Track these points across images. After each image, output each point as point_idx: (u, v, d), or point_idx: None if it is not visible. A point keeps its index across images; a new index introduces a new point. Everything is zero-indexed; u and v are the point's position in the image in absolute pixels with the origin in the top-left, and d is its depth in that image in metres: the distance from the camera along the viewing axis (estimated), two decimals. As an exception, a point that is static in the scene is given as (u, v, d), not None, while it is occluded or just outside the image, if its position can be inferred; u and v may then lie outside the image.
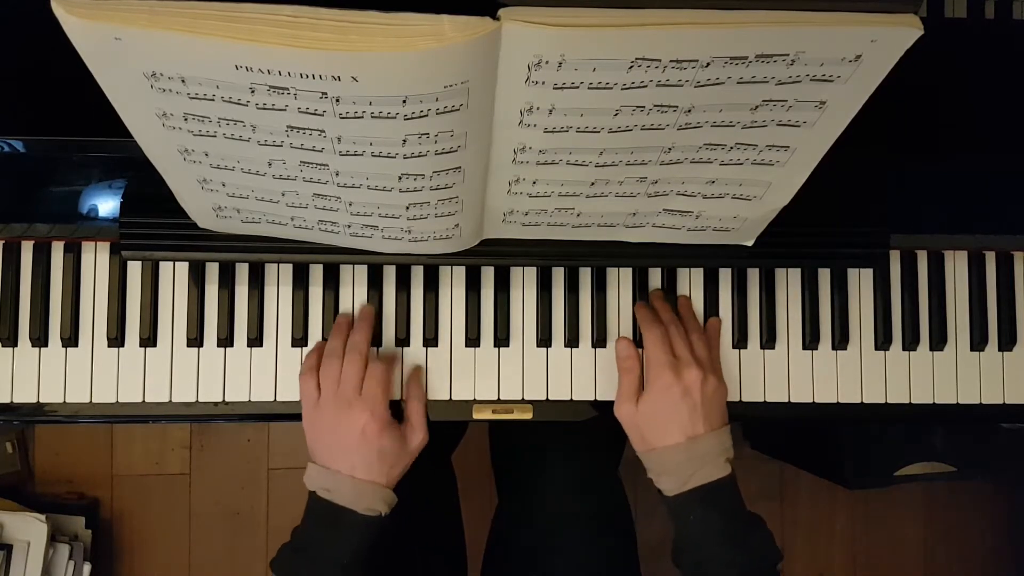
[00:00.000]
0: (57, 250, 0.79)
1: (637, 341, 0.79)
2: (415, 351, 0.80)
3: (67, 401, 0.78)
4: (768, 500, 1.65)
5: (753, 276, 0.82)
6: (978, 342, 0.83)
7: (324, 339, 0.79)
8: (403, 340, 0.79)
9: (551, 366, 0.80)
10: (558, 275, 0.81)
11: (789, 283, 0.82)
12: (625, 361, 0.77)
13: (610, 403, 0.77)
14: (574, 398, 0.80)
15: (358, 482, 0.72)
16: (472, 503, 1.04)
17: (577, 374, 0.80)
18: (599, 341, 0.80)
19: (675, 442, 0.72)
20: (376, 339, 0.79)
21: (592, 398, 0.80)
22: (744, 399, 0.81)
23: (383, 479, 0.72)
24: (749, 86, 0.51)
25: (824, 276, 0.83)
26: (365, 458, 0.72)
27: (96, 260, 0.79)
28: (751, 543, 0.72)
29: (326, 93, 0.48)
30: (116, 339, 0.78)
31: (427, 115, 0.50)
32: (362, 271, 0.79)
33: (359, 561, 0.71)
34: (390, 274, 0.80)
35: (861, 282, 0.83)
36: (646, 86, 0.50)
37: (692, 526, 0.72)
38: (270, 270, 0.79)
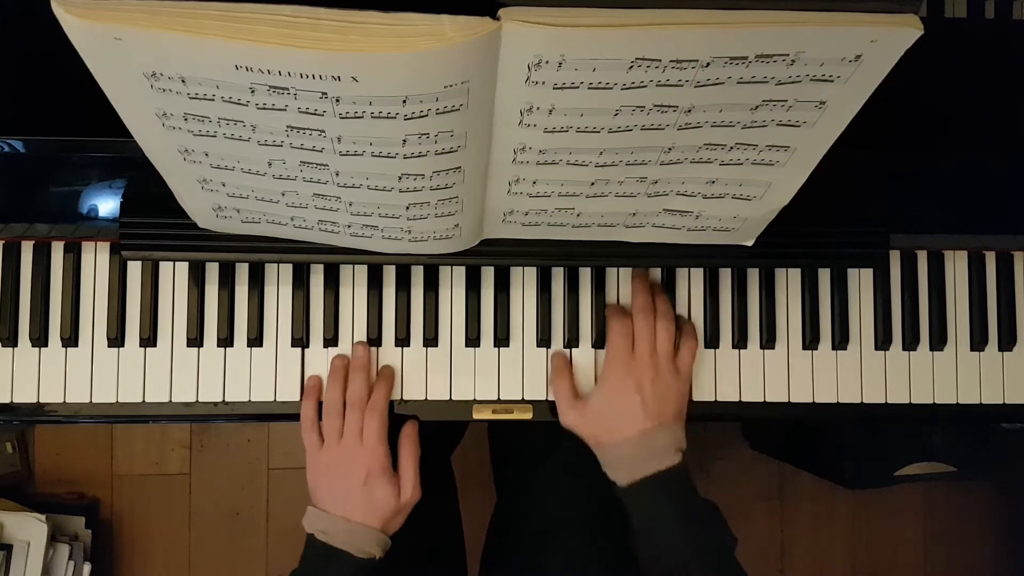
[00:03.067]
0: (57, 250, 0.79)
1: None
2: (415, 351, 0.80)
3: (67, 401, 0.78)
4: (768, 500, 1.65)
5: (753, 276, 0.82)
6: (978, 342, 0.83)
7: (324, 339, 0.79)
8: (403, 340, 0.79)
9: (551, 366, 0.80)
10: (558, 275, 0.81)
11: (789, 283, 0.82)
12: (555, 372, 0.79)
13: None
14: (574, 398, 0.80)
15: (354, 525, 0.75)
16: (472, 503, 1.04)
17: (577, 374, 0.80)
18: (599, 341, 0.80)
19: (626, 436, 0.74)
20: (376, 339, 0.79)
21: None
22: (744, 399, 0.81)
23: (379, 523, 0.75)
24: (749, 86, 0.51)
25: (824, 276, 0.83)
26: (363, 504, 0.75)
27: (96, 260, 0.79)
28: (703, 529, 0.73)
29: (326, 93, 0.48)
30: (116, 339, 0.78)
31: (427, 115, 0.50)
32: (362, 271, 0.79)
33: None
34: (390, 274, 0.80)
35: (861, 282, 0.83)
36: (646, 86, 0.50)
37: (645, 514, 0.73)
38: (270, 270, 0.79)
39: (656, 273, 0.81)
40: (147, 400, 0.78)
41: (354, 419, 0.76)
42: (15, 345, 0.78)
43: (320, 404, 0.78)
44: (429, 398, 0.79)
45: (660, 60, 0.48)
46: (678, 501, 0.73)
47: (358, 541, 0.74)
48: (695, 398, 0.81)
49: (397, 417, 0.78)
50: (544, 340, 0.80)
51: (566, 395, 0.77)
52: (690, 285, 0.82)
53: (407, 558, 0.87)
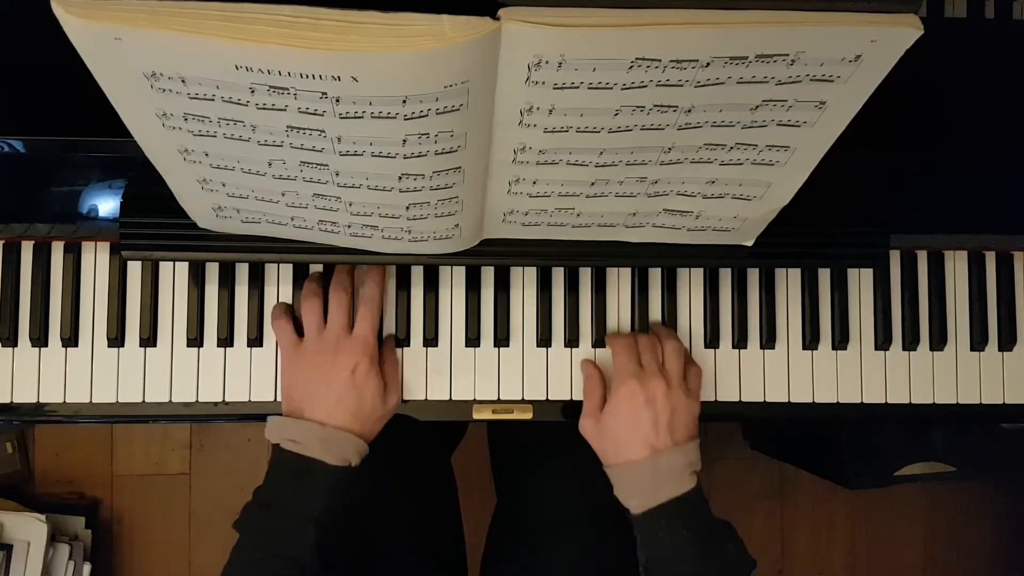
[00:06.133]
0: (57, 250, 0.79)
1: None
2: (415, 351, 0.80)
3: (67, 401, 0.78)
4: (768, 500, 1.65)
5: (753, 276, 0.82)
6: (978, 342, 0.83)
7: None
8: (403, 340, 0.79)
9: (551, 366, 0.80)
10: (558, 275, 0.81)
11: (789, 283, 0.82)
12: (588, 380, 0.77)
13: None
14: (574, 398, 0.80)
15: (330, 430, 0.69)
16: (472, 503, 1.04)
17: (577, 374, 0.80)
18: (599, 341, 0.80)
19: (639, 457, 0.71)
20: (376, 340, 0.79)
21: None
22: (744, 399, 0.81)
23: (357, 428, 0.71)
24: (749, 86, 0.51)
25: (824, 276, 0.83)
26: (348, 402, 0.70)
27: (96, 260, 0.79)
28: (722, 555, 0.71)
29: (326, 93, 0.48)
30: (116, 339, 0.78)
31: (427, 115, 0.50)
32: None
33: (332, 514, 0.69)
34: (390, 274, 0.80)
35: (861, 282, 0.83)
36: (646, 86, 0.50)
37: (661, 543, 0.70)
38: (270, 270, 0.79)
39: (656, 273, 0.81)
40: (147, 400, 0.78)
41: (341, 305, 0.72)
42: (15, 345, 0.78)
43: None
44: (429, 398, 0.79)
45: (660, 60, 0.48)
46: (695, 529, 0.70)
47: (335, 447, 0.69)
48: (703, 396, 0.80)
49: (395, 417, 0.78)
50: (544, 340, 0.80)
51: (595, 404, 0.75)
52: (690, 285, 0.82)
53: (408, 559, 0.87)
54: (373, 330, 0.73)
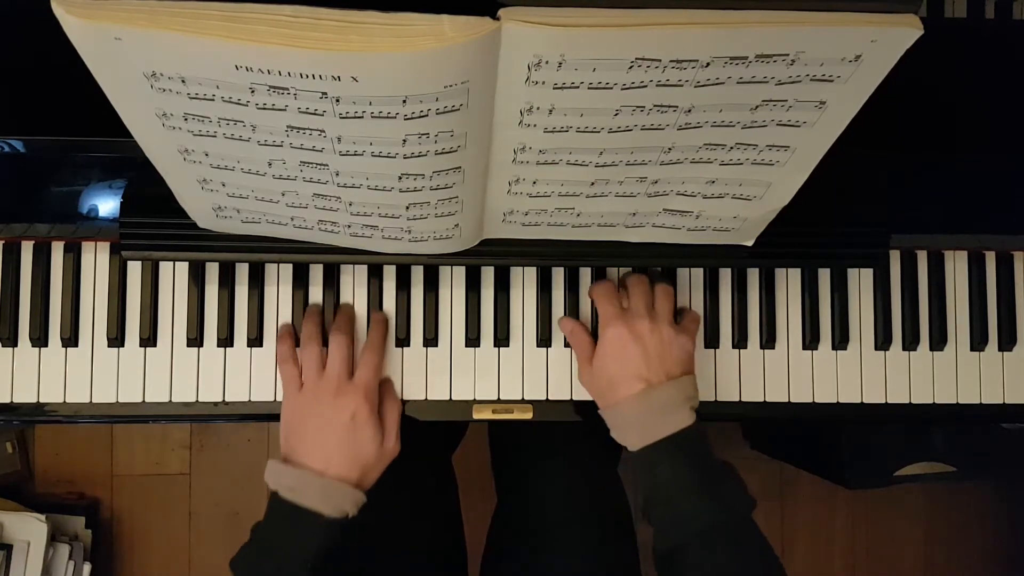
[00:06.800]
0: (57, 250, 0.79)
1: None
2: (415, 351, 0.80)
3: (67, 401, 0.78)
4: (768, 500, 1.65)
5: (753, 276, 0.82)
6: (978, 342, 0.83)
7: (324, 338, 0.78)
8: (403, 340, 0.79)
9: (551, 366, 0.80)
10: (558, 275, 0.81)
11: (789, 283, 0.82)
12: (571, 336, 0.77)
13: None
14: (574, 398, 0.80)
15: (328, 481, 0.69)
16: (472, 503, 1.04)
17: (577, 374, 0.80)
18: (599, 341, 0.80)
19: (633, 392, 0.70)
20: (376, 339, 0.79)
21: (592, 398, 0.79)
22: (744, 399, 0.81)
23: (356, 476, 0.70)
24: (749, 86, 0.51)
25: (824, 276, 0.83)
26: (346, 450, 0.70)
27: (96, 260, 0.79)
28: (722, 493, 0.69)
29: (326, 93, 0.48)
30: (116, 339, 0.78)
31: (427, 115, 0.50)
32: (362, 271, 0.79)
33: (329, 559, 0.69)
34: (390, 274, 0.80)
35: (861, 282, 0.83)
36: (646, 86, 0.50)
37: (659, 479, 0.69)
38: (270, 270, 0.79)
39: (656, 273, 0.81)
40: (147, 400, 0.78)
41: (340, 349, 0.72)
42: (15, 345, 0.78)
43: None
44: (429, 398, 0.79)
45: (660, 60, 0.48)
46: (694, 464, 0.69)
47: (333, 498, 0.68)
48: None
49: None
50: (544, 340, 0.80)
51: (586, 353, 0.75)
52: (690, 285, 0.82)
53: (408, 558, 0.87)
54: (376, 376, 0.73)
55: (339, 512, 0.68)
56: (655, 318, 0.73)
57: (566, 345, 0.80)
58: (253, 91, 0.49)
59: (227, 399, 0.79)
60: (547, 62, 0.48)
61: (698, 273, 0.82)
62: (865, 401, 0.82)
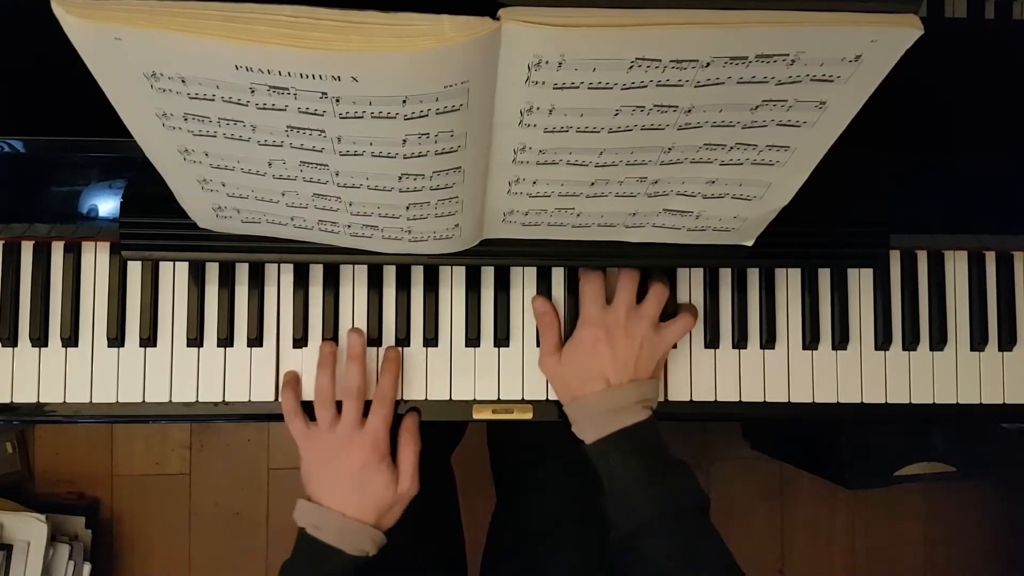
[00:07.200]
0: (57, 250, 0.79)
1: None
2: (415, 351, 0.80)
3: (67, 401, 0.78)
4: (768, 500, 1.65)
5: (753, 276, 0.82)
6: (978, 342, 0.83)
7: (324, 339, 0.78)
8: (403, 340, 0.79)
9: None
10: (558, 275, 0.81)
11: (789, 283, 0.82)
12: (543, 317, 0.78)
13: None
14: (574, 398, 0.80)
15: (348, 521, 0.72)
16: (472, 503, 1.04)
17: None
18: (599, 341, 0.80)
19: (594, 390, 0.73)
20: (376, 339, 0.79)
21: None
22: (744, 399, 0.81)
23: (372, 518, 0.73)
24: (749, 86, 0.51)
25: (824, 276, 0.83)
26: (359, 496, 0.73)
27: (96, 260, 0.79)
28: (672, 484, 0.72)
29: (326, 93, 0.48)
30: (116, 339, 0.78)
31: (427, 115, 0.50)
32: (362, 271, 0.79)
33: None
34: (390, 274, 0.80)
35: (861, 282, 0.83)
36: (646, 86, 0.50)
37: (613, 472, 0.72)
38: (270, 270, 0.79)
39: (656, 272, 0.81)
40: (147, 400, 0.78)
41: (350, 406, 0.74)
42: (15, 345, 0.78)
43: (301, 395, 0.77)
44: (429, 398, 0.79)
45: (660, 60, 0.48)
46: (645, 457, 0.71)
47: (352, 538, 0.72)
48: (696, 398, 0.81)
49: (398, 417, 0.78)
50: (544, 340, 0.80)
51: (554, 342, 0.77)
52: (690, 285, 0.82)
53: (407, 558, 0.87)
54: (386, 425, 0.75)
55: (359, 551, 0.72)
56: (634, 321, 0.74)
57: (566, 345, 0.80)
58: (253, 91, 0.49)
59: (227, 399, 0.79)
60: (547, 62, 0.48)
61: (698, 273, 0.82)
62: (865, 401, 0.82)
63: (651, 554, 0.70)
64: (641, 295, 0.77)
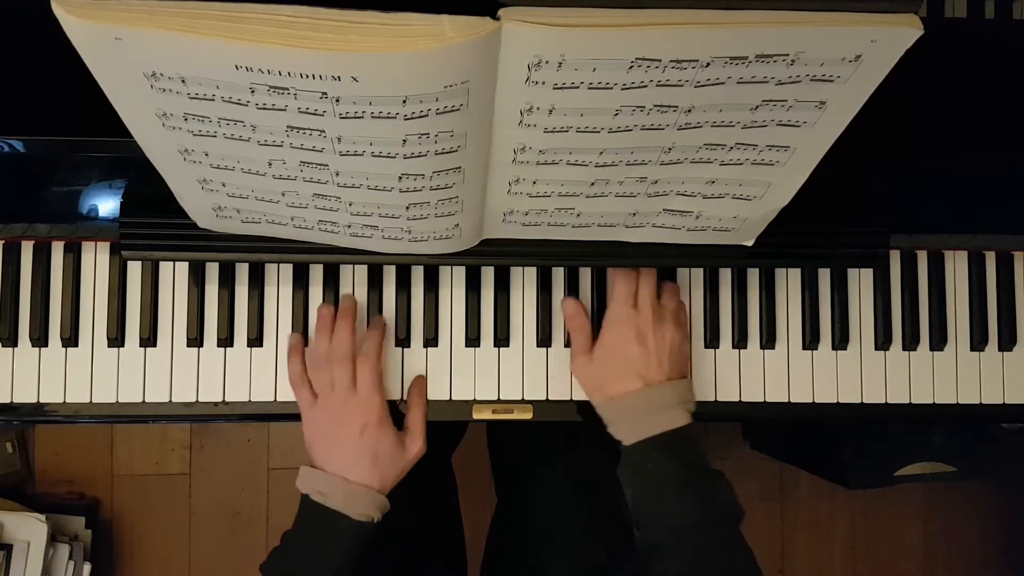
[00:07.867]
0: (57, 250, 0.79)
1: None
2: (415, 351, 0.80)
3: (67, 401, 0.78)
4: (768, 500, 1.65)
5: (753, 276, 0.82)
6: (978, 342, 0.83)
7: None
8: (403, 340, 0.79)
9: (551, 366, 0.80)
10: (558, 275, 0.81)
11: (789, 283, 0.82)
12: (573, 320, 0.78)
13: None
14: (574, 398, 0.80)
15: (351, 485, 0.71)
16: (472, 503, 1.04)
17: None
18: (599, 341, 0.80)
19: (632, 388, 0.72)
20: (376, 339, 0.79)
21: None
22: (744, 399, 0.81)
23: (377, 483, 0.72)
24: (749, 86, 0.51)
25: (824, 276, 0.83)
26: (361, 460, 0.72)
27: (96, 260, 0.79)
28: (708, 495, 0.70)
29: (326, 93, 0.48)
30: (116, 339, 0.78)
31: (427, 115, 0.50)
32: (362, 271, 0.79)
33: (351, 565, 0.71)
34: (390, 274, 0.80)
35: (861, 282, 0.83)
36: (646, 86, 0.50)
37: (648, 476, 0.70)
38: (270, 270, 0.79)
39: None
40: (147, 400, 0.78)
41: (342, 370, 0.74)
42: (15, 345, 0.78)
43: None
44: (429, 398, 0.79)
45: (660, 60, 0.48)
46: (684, 465, 0.70)
47: (356, 503, 0.71)
48: (696, 398, 0.80)
49: (400, 415, 0.78)
50: (544, 340, 0.80)
51: (585, 343, 0.76)
52: (690, 285, 0.82)
53: (408, 558, 0.87)
54: (374, 386, 0.74)
55: (363, 516, 0.71)
56: (660, 318, 0.74)
57: (566, 345, 0.80)
58: (253, 91, 0.49)
59: (227, 399, 0.79)
60: (547, 62, 0.48)
61: (698, 273, 0.82)
62: (865, 401, 0.82)
63: (677, 562, 0.69)
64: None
